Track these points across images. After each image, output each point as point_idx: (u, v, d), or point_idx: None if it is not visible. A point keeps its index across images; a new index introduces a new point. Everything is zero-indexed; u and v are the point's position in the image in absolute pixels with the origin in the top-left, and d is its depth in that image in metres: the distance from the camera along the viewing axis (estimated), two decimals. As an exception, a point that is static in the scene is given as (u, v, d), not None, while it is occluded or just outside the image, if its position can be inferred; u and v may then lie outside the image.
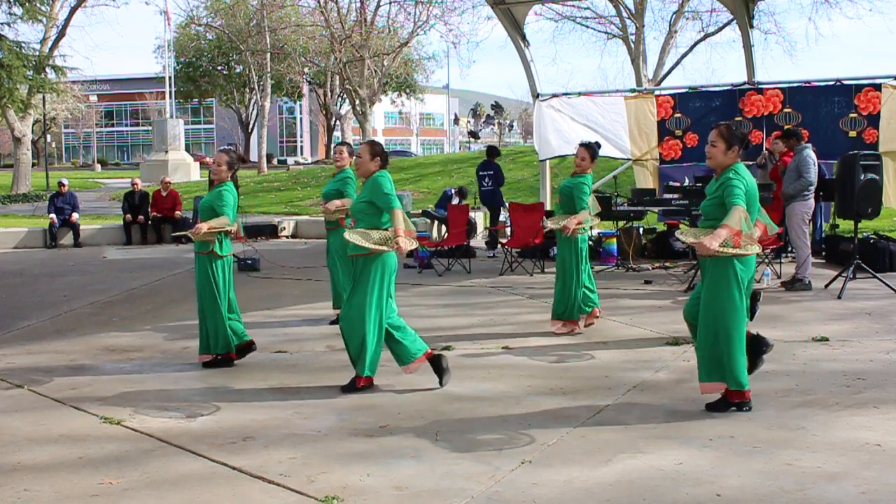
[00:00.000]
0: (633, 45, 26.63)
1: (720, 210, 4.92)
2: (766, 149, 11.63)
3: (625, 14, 26.78)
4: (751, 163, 11.86)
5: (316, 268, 11.69)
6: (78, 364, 6.60)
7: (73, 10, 29.00)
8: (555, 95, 14.27)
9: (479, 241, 14.40)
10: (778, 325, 7.57)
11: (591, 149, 7.58)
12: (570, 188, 7.41)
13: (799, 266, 9.44)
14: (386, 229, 5.57)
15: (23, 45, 13.88)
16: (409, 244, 5.52)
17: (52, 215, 15.58)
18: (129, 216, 16.02)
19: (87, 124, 73.05)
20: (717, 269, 4.94)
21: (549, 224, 7.56)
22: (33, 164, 35.48)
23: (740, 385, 4.96)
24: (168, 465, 4.33)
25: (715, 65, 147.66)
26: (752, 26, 13.63)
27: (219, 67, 51.84)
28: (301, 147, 78.48)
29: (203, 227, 6.17)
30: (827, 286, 9.33)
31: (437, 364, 5.72)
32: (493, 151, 14.42)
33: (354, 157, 5.64)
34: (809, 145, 9.71)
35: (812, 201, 9.49)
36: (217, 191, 6.36)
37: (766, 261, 10.26)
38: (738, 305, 4.93)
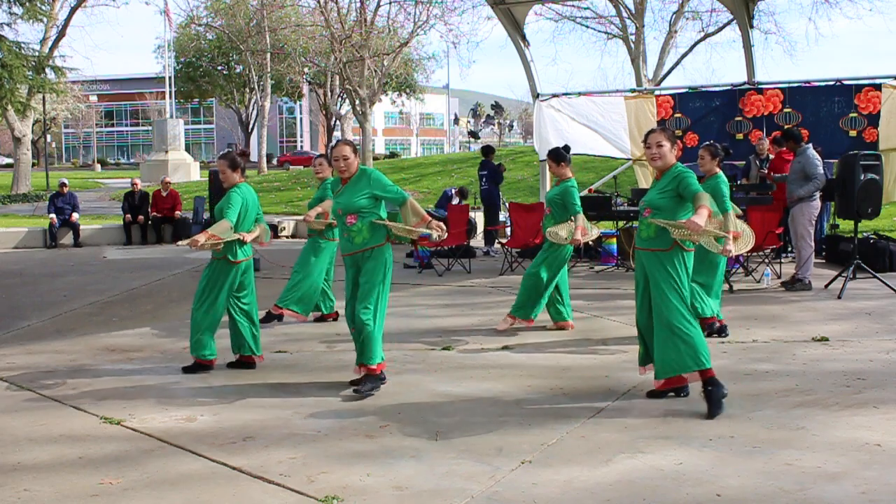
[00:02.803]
0: (633, 45, 26.64)
1: (676, 202, 5.10)
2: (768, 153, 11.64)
3: (625, 14, 26.79)
4: (742, 162, 11.88)
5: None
6: (78, 364, 6.60)
7: (73, 10, 28.99)
8: (555, 95, 14.27)
9: (479, 240, 14.40)
10: (778, 325, 7.57)
11: (560, 154, 7.49)
12: (559, 196, 7.35)
13: (800, 265, 9.43)
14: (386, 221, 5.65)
15: (23, 45, 13.89)
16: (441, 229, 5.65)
17: (52, 215, 15.57)
18: (129, 216, 16.01)
19: (87, 124, 73.05)
20: (661, 265, 5.09)
21: (554, 237, 7.30)
22: (33, 165, 35.47)
23: (704, 364, 5.05)
24: (168, 465, 4.33)
25: (715, 65, 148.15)
26: (752, 26, 13.63)
27: (219, 67, 51.79)
28: (301, 147, 78.47)
29: (200, 237, 5.99)
30: (827, 286, 9.33)
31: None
32: (487, 151, 14.43)
33: (339, 160, 5.58)
34: (810, 145, 9.69)
35: (818, 202, 9.49)
36: (227, 193, 6.27)
37: (767, 261, 10.26)
38: (685, 296, 5.12)
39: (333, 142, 5.98)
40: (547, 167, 14.64)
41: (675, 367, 5.10)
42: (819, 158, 9.45)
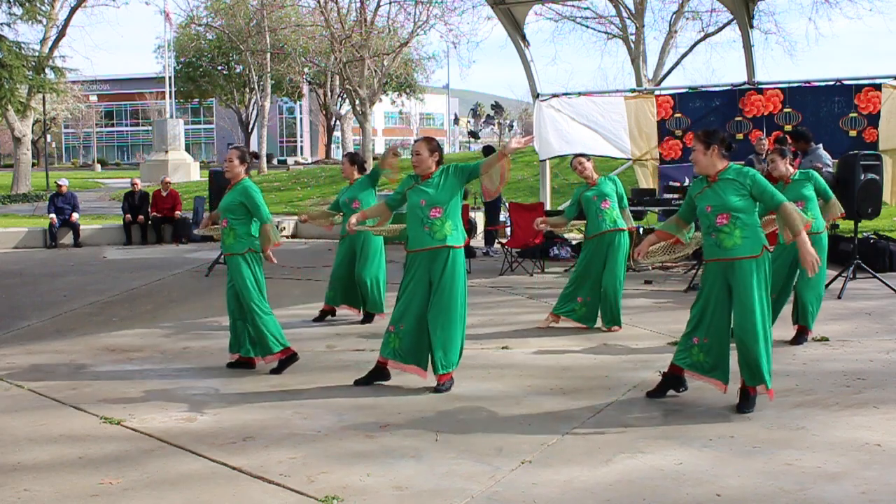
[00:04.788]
0: (633, 45, 26.64)
1: (753, 202, 4.97)
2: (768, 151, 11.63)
3: (625, 14, 26.78)
4: (741, 163, 11.88)
5: (316, 268, 11.69)
6: (78, 364, 6.60)
7: (73, 11, 28.96)
8: (555, 95, 14.27)
9: (479, 240, 14.40)
10: (778, 324, 7.54)
11: (587, 156, 7.84)
12: (604, 191, 7.57)
13: None
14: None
15: (23, 45, 13.89)
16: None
17: (52, 215, 15.56)
18: (129, 216, 16.00)
19: (87, 124, 73.03)
20: (754, 273, 4.95)
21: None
22: (33, 164, 35.45)
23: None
24: (168, 465, 4.33)
25: (715, 65, 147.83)
26: (752, 26, 13.64)
27: (219, 67, 51.77)
28: (301, 147, 78.45)
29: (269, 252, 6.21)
30: (827, 286, 9.30)
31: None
32: (488, 151, 14.43)
33: (413, 155, 5.69)
34: (820, 146, 9.68)
35: None
36: (241, 188, 6.15)
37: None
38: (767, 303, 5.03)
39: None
40: (547, 166, 14.79)
41: (766, 377, 4.99)
42: (830, 159, 9.43)
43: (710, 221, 5.03)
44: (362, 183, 8.03)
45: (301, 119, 79.17)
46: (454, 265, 5.60)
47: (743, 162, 11.98)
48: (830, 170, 9.40)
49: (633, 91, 14.38)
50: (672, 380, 5.33)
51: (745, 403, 5.02)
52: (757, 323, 4.93)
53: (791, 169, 6.86)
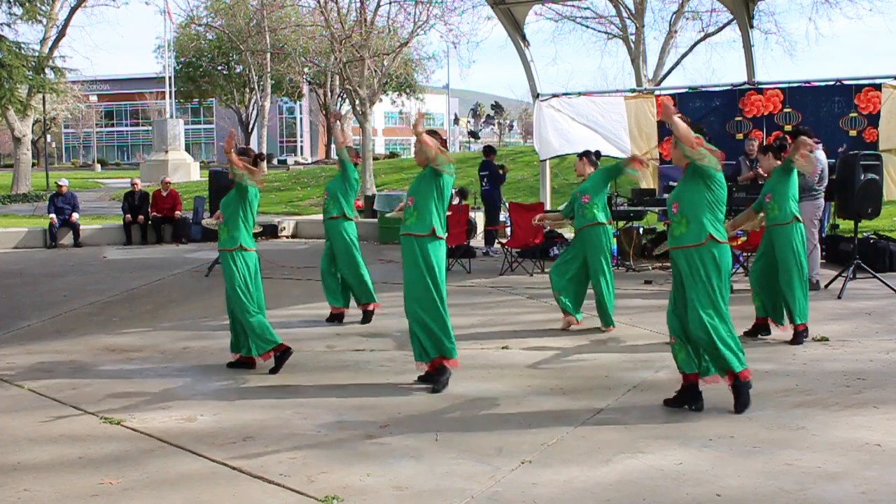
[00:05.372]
0: (633, 45, 26.61)
1: (700, 193, 4.95)
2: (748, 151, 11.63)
3: (625, 14, 26.75)
4: (732, 163, 11.89)
5: (316, 268, 11.67)
6: (78, 364, 6.60)
7: (73, 10, 28.97)
8: (555, 95, 14.28)
9: (479, 240, 14.40)
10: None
11: (589, 156, 7.89)
12: (603, 174, 7.64)
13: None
14: None
15: (23, 45, 13.86)
16: None
17: (52, 215, 15.56)
18: (129, 216, 16.00)
19: (87, 124, 73.01)
20: (696, 262, 4.97)
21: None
22: (33, 165, 35.45)
23: (735, 367, 5.00)
24: (168, 465, 4.33)
25: (715, 65, 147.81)
26: (752, 26, 13.64)
27: (219, 67, 51.78)
28: (301, 147, 78.45)
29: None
30: (827, 286, 9.32)
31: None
32: (488, 151, 14.44)
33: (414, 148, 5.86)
34: (820, 147, 9.67)
35: (822, 201, 9.49)
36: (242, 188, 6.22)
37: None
38: (723, 295, 5.01)
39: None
40: (547, 166, 14.80)
41: (731, 362, 4.96)
42: (823, 162, 9.41)
43: (670, 211, 5.15)
44: (337, 175, 8.21)
45: (301, 119, 79.14)
46: (415, 253, 5.65)
47: (734, 163, 12.01)
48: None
49: (633, 91, 14.39)
50: (688, 390, 5.14)
51: (739, 401, 4.99)
52: (700, 312, 4.90)
53: (776, 162, 7.01)
